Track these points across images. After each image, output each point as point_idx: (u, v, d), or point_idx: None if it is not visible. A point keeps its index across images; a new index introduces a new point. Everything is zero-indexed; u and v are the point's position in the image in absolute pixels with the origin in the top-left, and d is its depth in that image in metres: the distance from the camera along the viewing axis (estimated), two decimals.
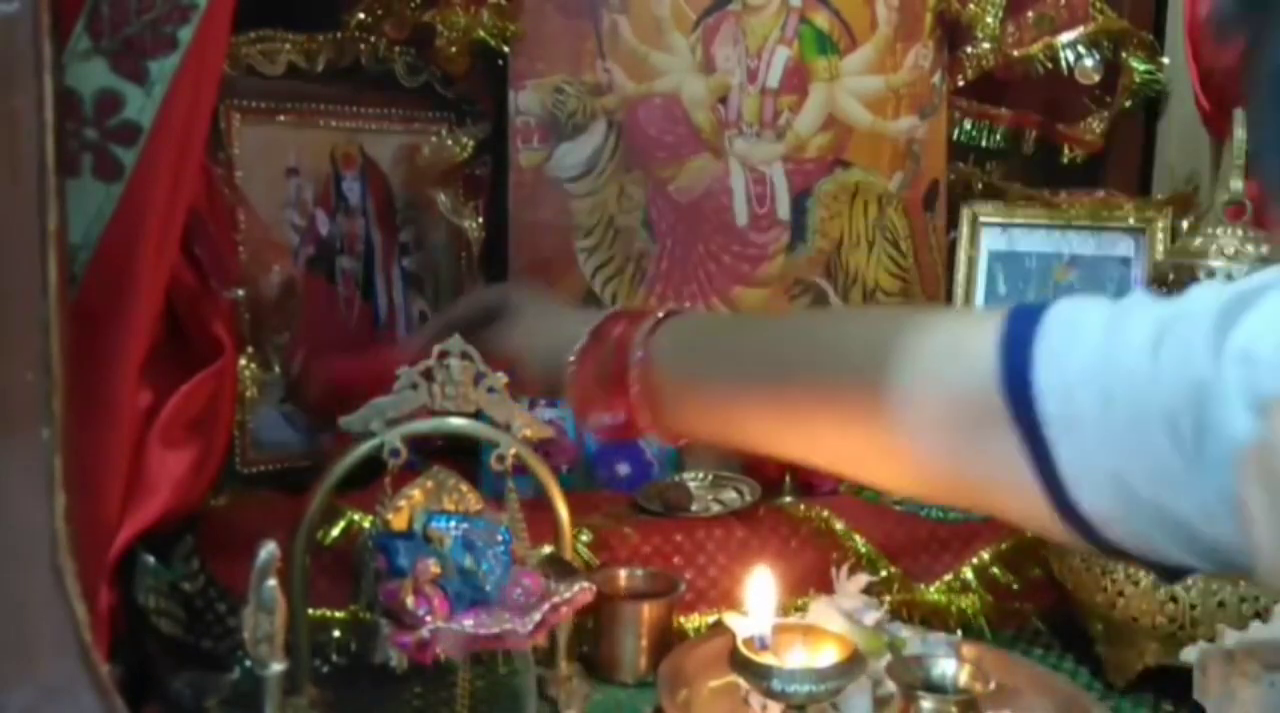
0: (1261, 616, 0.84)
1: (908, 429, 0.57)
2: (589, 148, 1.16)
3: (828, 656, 0.77)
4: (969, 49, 1.25)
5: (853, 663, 0.75)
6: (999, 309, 0.55)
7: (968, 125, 1.30)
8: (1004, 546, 1.01)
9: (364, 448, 0.78)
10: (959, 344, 0.56)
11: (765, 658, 0.75)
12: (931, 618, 0.98)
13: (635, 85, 1.17)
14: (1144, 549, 0.51)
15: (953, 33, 1.26)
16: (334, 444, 0.92)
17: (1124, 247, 1.25)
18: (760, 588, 0.80)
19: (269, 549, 0.63)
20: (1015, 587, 1.00)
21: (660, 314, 0.73)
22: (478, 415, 0.81)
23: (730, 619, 0.83)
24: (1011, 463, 0.52)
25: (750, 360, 0.68)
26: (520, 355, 0.81)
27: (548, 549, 0.84)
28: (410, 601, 0.69)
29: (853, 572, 0.93)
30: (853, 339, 0.64)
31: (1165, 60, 1.29)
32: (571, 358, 0.75)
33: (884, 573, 0.98)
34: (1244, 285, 0.49)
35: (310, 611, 0.82)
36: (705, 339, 0.74)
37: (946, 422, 0.55)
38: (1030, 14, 1.26)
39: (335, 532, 0.89)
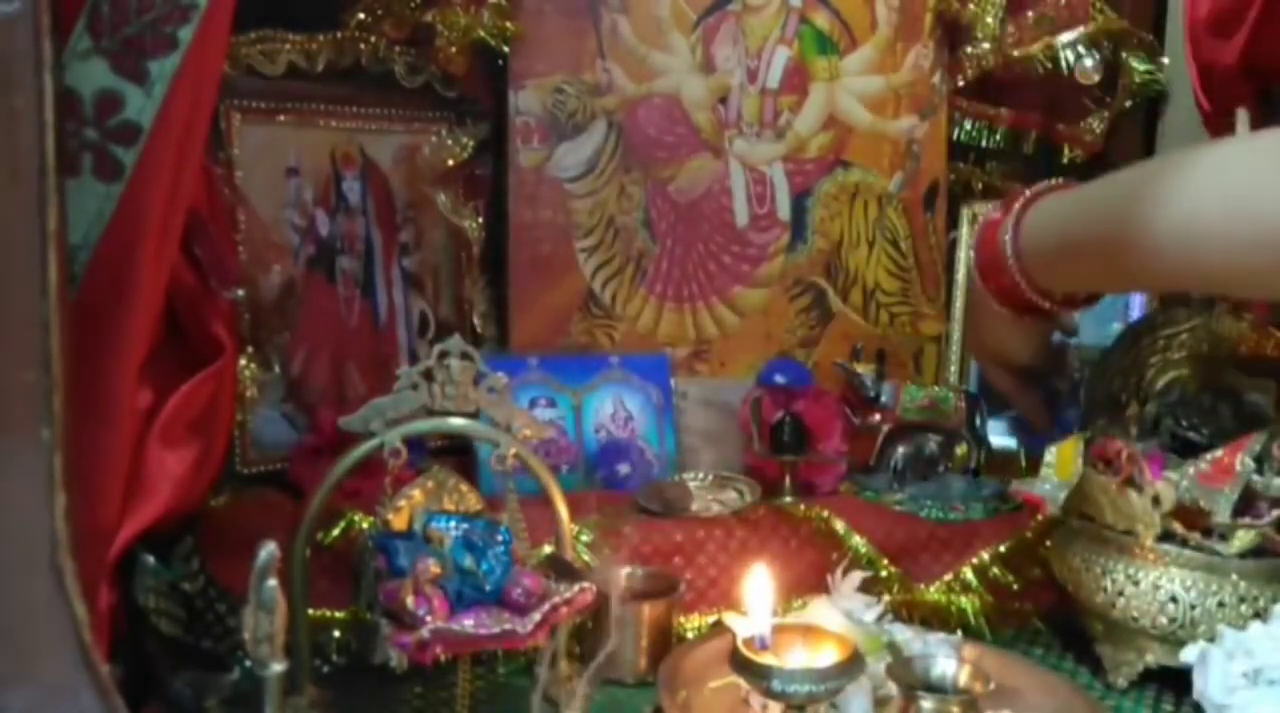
0: (1261, 616, 0.84)
1: None
2: (589, 148, 1.17)
3: (828, 656, 0.76)
4: (969, 49, 1.25)
5: (853, 663, 0.75)
6: None
7: (968, 125, 1.30)
8: (1004, 546, 1.01)
9: (364, 448, 0.78)
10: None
11: (765, 658, 0.75)
12: (931, 618, 0.98)
13: (635, 85, 1.17)
14: None
15: (953, 33, 1.26)
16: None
17: None
18: (760, 588, 0.80)
19: (269, 549, 0.63)
20: (1015, 587, 1.00)
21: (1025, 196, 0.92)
22: (478, 415, 0.81)
23: (730, 619, 0.83)
24: None
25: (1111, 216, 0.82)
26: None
27: (548, 549, 0.84)
28: (410, 601, 0.69)
29: (847, 571, 0.93)
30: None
31: (1165, 60, 1.30)
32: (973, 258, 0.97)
33: (884, 573, 0.98)
34: None
35: (310, 611, 0.82)
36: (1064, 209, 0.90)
37: None
38: (1030, 14, 1.26)
39: (335, 532, 0.89)
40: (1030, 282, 0.91)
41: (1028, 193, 0.91)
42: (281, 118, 1.07)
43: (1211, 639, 0.83)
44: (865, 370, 1.12)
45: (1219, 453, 0.87)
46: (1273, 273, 0.71)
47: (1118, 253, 0.81)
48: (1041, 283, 0.91)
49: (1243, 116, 0.95)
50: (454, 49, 1.09)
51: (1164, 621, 0.87)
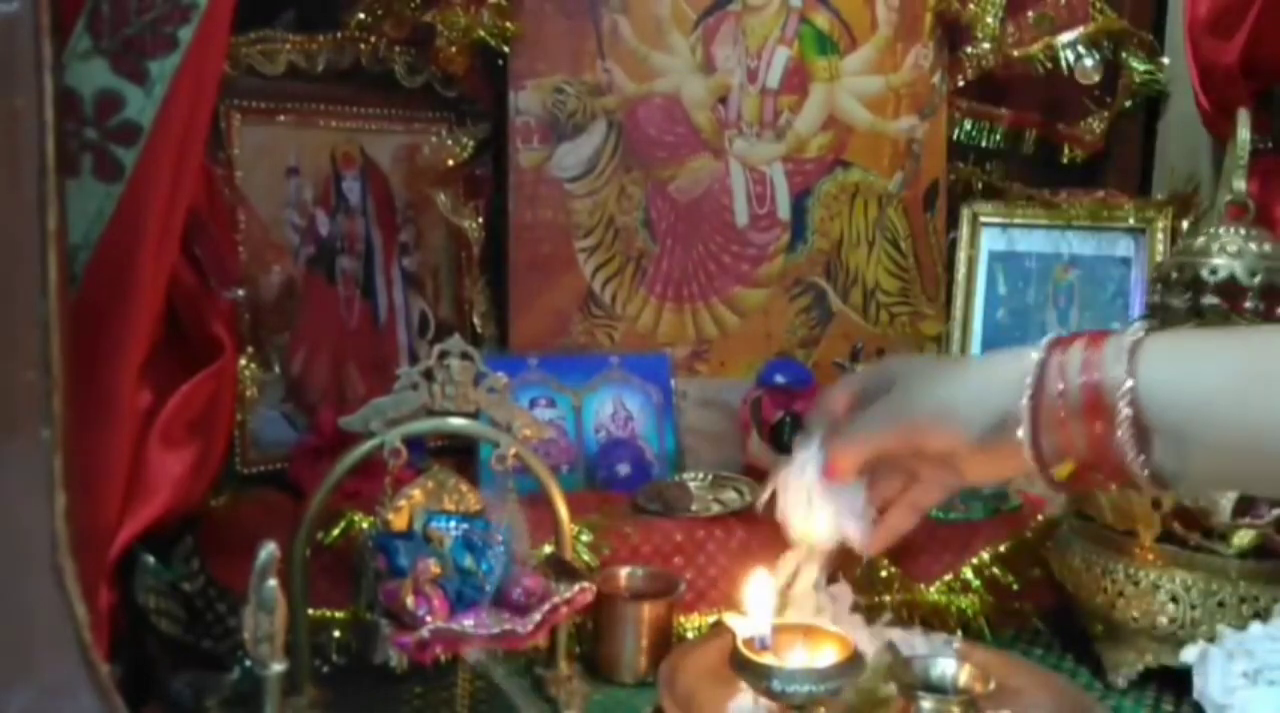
0: (1261, 616, 0.84)
1: None
2: (589, 148, 1.17)
3: (828, 656, 0.77)
4: (969, 49, 1.26)
5: (853, 663, 0.75)
6: None
7: (968, 125, 1.30)
8: (1004, 546, 1.01)
9: (364, 448, 0.78)
10: None
11: (765, 658, 0.75)
12: (931, 618, 0.98)
13: (635, 85, 1.17)
14: None
15: (953, 33, 1.26)
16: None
17: (1124, 247, 1.26)
18: (760, 588, 0.80)
19: (269, 549, 0.63)
20: (1015, 587, 1.00)
21: (1137, 333, 0.60)
22: (477, 415, 0.81)
23: (730, 619, 0.83)
24: None
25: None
26: (945, 406, 0.68)
27: (548, 549, 0.84)
28: (410, 601, 0.69)
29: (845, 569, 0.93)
30: None
31: (1165, 60, 1.30)
32: (1029, 383, 0.63)
33: (884, 573, 0.98)
34: None
35: (310, 611, 0.82)
36: (1221, 371, 0.58)
37: None
38: (1030, 14, 1.26)
39: (335, 532, 0.89)
40: (1144, 449, 0.58)
41: (1138, 327, 0.61)
42: (281, 118, 1.07)
43: (1212, 639, 0.83)
44: None
45: None
46: None
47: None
48: (1160, 458, 0.59)
49: (1243, 117, 0.95)
50: (454, 49, 1.09)
51: (1164, 621, 0.87)
